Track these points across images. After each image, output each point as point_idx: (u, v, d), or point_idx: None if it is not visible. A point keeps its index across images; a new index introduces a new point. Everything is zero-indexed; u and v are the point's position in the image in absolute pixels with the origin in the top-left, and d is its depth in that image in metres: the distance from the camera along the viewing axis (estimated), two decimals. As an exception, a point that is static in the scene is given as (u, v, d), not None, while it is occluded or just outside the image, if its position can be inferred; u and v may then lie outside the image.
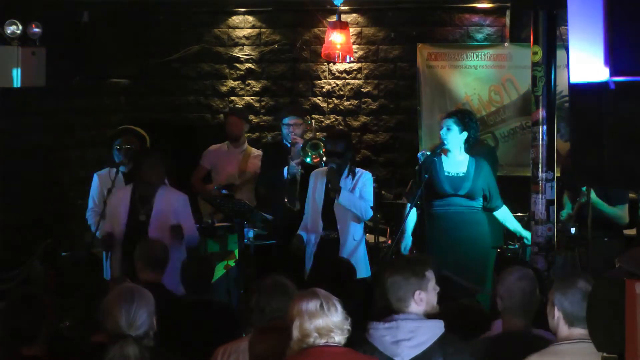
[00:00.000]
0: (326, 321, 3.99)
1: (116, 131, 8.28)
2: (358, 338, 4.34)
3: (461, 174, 7.43)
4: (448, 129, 7.41)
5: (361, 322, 4.84)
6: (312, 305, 4.00)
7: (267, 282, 4.73)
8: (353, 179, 7.41)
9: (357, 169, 7.51)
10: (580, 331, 4.11)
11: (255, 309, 4.62)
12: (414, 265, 4.49)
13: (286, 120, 8.64)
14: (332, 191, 7.39)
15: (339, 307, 4.05)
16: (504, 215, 7.57)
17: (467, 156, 7.49)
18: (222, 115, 10.52)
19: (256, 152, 9.14)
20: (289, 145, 8.49)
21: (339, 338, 4.02)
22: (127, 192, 7.26)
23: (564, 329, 4.19)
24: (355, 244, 7.35)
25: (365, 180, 7.44)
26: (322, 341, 3.98)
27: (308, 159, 8.20)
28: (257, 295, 4.67)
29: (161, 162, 7.26)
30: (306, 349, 3.98)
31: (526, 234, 7.36)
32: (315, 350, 3.97)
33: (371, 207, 7.39)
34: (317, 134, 9.04)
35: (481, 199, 7.46)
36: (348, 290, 5.77)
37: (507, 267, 5.08)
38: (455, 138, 7.42)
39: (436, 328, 4.39)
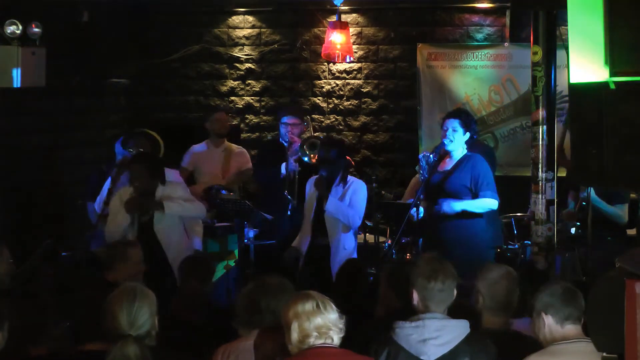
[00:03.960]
0: (324, 319, 4.00)
1: (131, 133, 8.19)
2: (384, 337, 4.37)
3: (445, 172, 7.38)
4: (454, 130, 7.38)
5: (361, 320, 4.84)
6: (308, 305, 4.01)
7: (272, 283, 4.73)
8: (344, 187, 7.38)
9: (350, 177, 7.46)
10: (574, 329, 4.12)
11: (265, 311, 4.62)
12: (452, 269, 4.56)
13: (284, 120, 8.65)
14: (322, 199, 7.37)
15: (334, 306, 4.07)
16: (479, 201, 7.32)
17: (463, 154, 7.47)
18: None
19: (236, 148, 9.04)
20: (285, 144, 8.49)
21: (336, 337, 4.03)
22: (127, 194, 7.25)
23: (557, 329, 4.19)
24: (346, 254, 7.31)
25: (356, 189, 7.37)
26: (320, 341, 3.98)
27: (306, 158, 8.22)
28: (263, 297, 4.66)
29: (152, 167, 7.22)
30: (303, 351, 3.98)
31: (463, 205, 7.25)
32: (313, 351, 3.97)
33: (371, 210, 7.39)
34: (316, 133, 9.04)
35: (469, 196, 7.34)
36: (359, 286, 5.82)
37: (491, 264, 5.11)
38: (459, 139, 7.40)
39: (462, 327, 4.43)
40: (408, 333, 4.38)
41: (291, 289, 4.74)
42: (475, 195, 7.27)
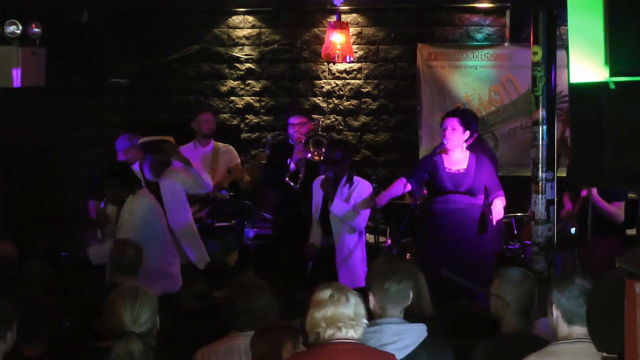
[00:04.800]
0: (334, 311, 3.95)
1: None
2: None
3: (462, 171, 7.43)
4: (453, 129, 7.41)
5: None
6: (322, 294, 4.00)
7: (246, 284, 4.73)
8: (350, 188, 7.39)
9: (355, 178, 7.47)
10: (579, 330, 4.10)
11: (239, 312, 4.61)
12: (409, 271, 4.54)
13: (291, 120, 8.64)
14: (328, 200, 7.38)
15: (353, 300, 4.01)
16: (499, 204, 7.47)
17: (467, 153, 7.50)
18: (224, 115, 10.53)
19: (223, 146, 9.01)
20: (294, 144, 8.50)
21: (350, 331, 3.97)
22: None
23: (563, 328, 4.18)
24: (348, 253, 7.32)
25: (361, 190, 7.38)
26: (329, 332, 3.95)
27: (309, 155, 8.22)
28: (238, 297, 4.66)
29: (127, 177, 7.21)
30: (317, 345, 3.95)
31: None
32: (327, 347, 3.94)
33: (373, 209, 7.36)
34: (322, 133, 9.01)
35: (482, 195, 7.45)
36: None
37: (505, 267, 5.07)
38: (458, 137, 7.42)
39: (420, 331, 4.41)
40: (366, 338, 4.34)
41: (267, 289, 4.73)
42: (487, 195, 7.42)
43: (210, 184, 7.89)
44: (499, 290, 4.75)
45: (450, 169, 7.45)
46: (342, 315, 3.96)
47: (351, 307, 4.00)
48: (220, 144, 9.02)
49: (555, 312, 4.18)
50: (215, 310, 5.70)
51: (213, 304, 5.76)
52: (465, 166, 7.44)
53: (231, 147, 9.07)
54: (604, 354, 3.15)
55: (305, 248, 7.52)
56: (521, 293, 4.71)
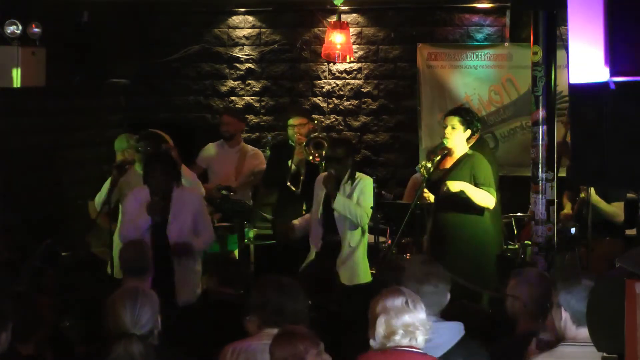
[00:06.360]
0: (412, 318, 3.93)
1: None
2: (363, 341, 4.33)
3: (445, 169, 7.37)
4: (453, 128, 7.37)
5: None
6: (398, 301, 3.94)
7: (286, 284, 4.69)
8: (352, 185, 7.39)
9: (357, 175, 7.46)
10: (587, 332, 4.08)
11: (279, 311, 4.56)
12: (444, 272, 4.52)
13: (291, 121, 8.66)
14: (331, 197, 7.38)
15: (423, 305, 4.00)
16: (479, 190, 7.24)
17: (464, 152, 7.44)
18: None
19: (251, 150, 9.08)
20: (294, 145, 8.50)
21: (420, 338, 3.95)
22: (145, 194, 7.05)
23: (571, 329, 4.11)
24: (350, 250, 7.33)
25: (363, 186, 7.37)
26: (406, 340, 3.92)
27: (310, 157, 8.22)
28: (278, 297, 4.61)
29: (167, 167, 7.10)
30: (386, 350, 3.91)
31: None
32: (398, 353, 3.89)
33: (371, 207, 7.34)
34: (322, 134, 9.02)
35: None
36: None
37: (521, 268, 5.05)
38: (459, 137, 7.38)
39: (455, 330, 4.37)
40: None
41: (302, 290, 4.70)
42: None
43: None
44: (516, 290, 4.73)
45: (438, 169, 7.41)
46: (419, 322, 3.94)
47: (424, 312, 3.98)
48: (249, 147, 9.14)
49: (564, 315, 4.12)
50: (224, 306, 5.65)
51: (221, 300, 5.73)
52: (449, 166, 7.39)
53: (259, 151, 9.11)
54: (604, 354, 3.15)
55: (282, 226, 7.56)
56: (538, 293, 4.69)
